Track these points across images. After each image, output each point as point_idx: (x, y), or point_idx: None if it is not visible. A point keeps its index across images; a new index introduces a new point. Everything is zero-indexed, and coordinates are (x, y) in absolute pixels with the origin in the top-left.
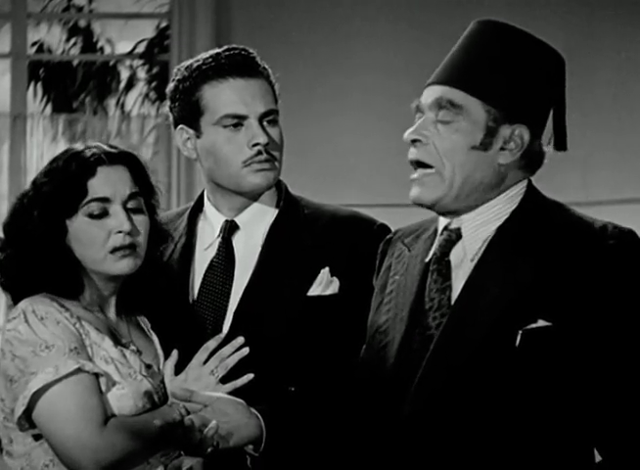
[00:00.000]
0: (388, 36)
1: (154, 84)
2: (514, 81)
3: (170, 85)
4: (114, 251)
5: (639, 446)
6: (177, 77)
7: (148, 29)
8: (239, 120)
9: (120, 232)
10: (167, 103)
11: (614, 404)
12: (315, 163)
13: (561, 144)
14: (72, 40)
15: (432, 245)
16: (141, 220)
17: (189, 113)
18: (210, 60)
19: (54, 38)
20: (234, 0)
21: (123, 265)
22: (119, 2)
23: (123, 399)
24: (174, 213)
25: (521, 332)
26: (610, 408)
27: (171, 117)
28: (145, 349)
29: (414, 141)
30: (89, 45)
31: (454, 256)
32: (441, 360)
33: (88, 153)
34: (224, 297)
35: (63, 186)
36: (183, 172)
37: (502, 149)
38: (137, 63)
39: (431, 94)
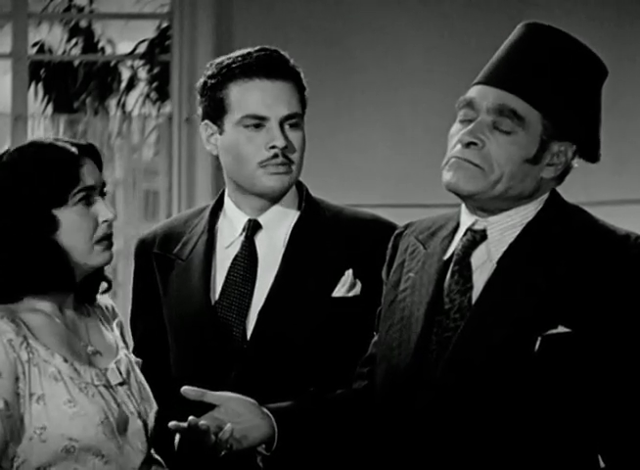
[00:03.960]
0: (394, 43)
1: (155, 84)
2: (571, 98)
3: (200, 80)
4: (99, 241)
5: None
6: (207, 73)
7: (149, 30)
8: (260, 121)
9: (106, 221)
10: (197, 97)
11: (627, 414)
12: (332, 164)
13: (595, 156)
14: (73, 41)
15: (449, 244)
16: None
17: (214, 109)
18: (240, 58)
19: (55, 39)
20: (235, 0)
21: (105, 257)
22: (120, 2)
23: (77, 417)
24: (190, 212)
25: (540, 337)
26: (623, 418)
27: (199, 111)
28: (105, 349)
29: (469, 144)
30: (90, 45)
31: (476, 257)
32: (459, 362)
33: (65, 144)
34: (247, 296)
35: (54, 175)
36: (184, 172)
37: (549, 164)
38: (138, 63)
39: (490, 96)
